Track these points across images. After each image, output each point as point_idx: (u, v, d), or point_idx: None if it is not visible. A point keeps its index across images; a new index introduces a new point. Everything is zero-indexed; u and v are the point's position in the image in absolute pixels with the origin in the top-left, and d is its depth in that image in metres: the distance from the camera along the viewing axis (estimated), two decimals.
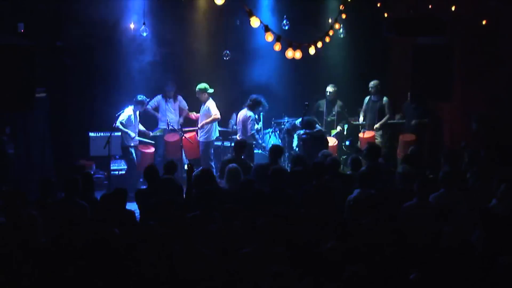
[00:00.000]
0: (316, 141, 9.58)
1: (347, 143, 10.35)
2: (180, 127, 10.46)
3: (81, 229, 5.45)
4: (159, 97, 10.56)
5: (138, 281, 4.60)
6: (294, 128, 10.14)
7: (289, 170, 8.14)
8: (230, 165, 7.20)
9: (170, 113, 10.55)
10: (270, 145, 8.80)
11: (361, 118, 10.80)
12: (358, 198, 6.25)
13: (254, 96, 9.94)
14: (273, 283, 4.12)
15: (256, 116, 10.03)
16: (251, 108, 9.86)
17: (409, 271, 4.51)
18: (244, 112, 9.90)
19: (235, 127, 10.75)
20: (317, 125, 9.79)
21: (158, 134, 10.57)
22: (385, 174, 7.41)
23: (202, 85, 10.19)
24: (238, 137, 9.92)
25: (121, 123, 9.65)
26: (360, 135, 10.51)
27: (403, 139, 10.14)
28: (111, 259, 4.69)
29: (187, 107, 10.73)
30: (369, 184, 6.45)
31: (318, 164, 7.16)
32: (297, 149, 9.82)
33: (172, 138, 10.36)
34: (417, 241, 4.94)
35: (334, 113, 10.77)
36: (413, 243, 4.91)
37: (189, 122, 10.82)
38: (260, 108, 9.99)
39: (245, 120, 9.87)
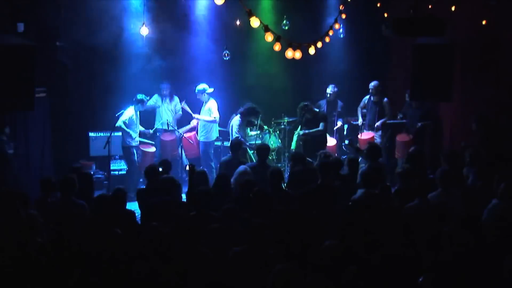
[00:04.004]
0: (316, 141, 9.60)
1: (346, 142, 10.37)
2: (176, 128, 10.44)
3: (79, 229, 5.45)
4: (156, 96, 10.55)
5: (138, 281, 4.60)
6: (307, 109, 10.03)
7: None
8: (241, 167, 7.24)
9: (166, 113, 10.55)
10: (257, 145, 8.82)
11: (360, 119, 10.79)
12: (362, 198, 6.24)
13: (248, 104, 9.91)
14: (277, 281, 4.13)
15: (256, 122, 10.02)
16: (243, 115, 9.83)
17: (410, 272, 4.51)
18: (235, 118, 9.92)
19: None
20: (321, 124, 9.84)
21: (157, 133, 10.57)
22: (385, 174, 7.42)
23: (201, 86, 10.20)
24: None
25: (123, 122, 9.65)
26: (359, 136, 10.51)
27: (400, 140, 10.17)
28: (112, 260, 4.69)
29: (181, 112, 10.72)
30: (371, 184, 6.45)
31: (325, 164, 7.14)
32: (294, 149, 9.84)
33: (168, 137, 10.37)
34: (420, 242, 4.94)
35: (334, 113, 10.77)
36: (415, 243, 4.91)
37: (185, 123, 10.81)
38: (253, 117, 9.94)
39: (232, 127, 9.94)
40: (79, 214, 6.12)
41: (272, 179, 6.85)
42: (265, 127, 10.29)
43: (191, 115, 10.51)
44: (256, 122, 10.03)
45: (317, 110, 10.10)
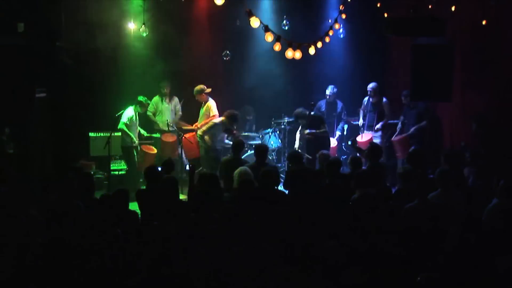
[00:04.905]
0: (320, 141, 9.59)
1: (349, 142, 10.37)
2: (175, 128, 10.44)
3: (77, 229, 5.45)
4: (156, 98, 10.58)
5: (138, 280, 4.60)
6: (302, 116, 9.96)
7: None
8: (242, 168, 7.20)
9: (167, 114, 10.56)
10: (255, 145, 8.77)
11: (360, 120, 10.80)
12: (361, 198, 6.24)
13: (232, 111, 9.72)
14: (278, 283, 4.13)
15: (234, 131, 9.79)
16: (227, 119, 9.60)
17: (410, 272, 4.51)
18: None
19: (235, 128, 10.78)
20: (325, 125, 9.83)
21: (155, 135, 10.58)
22: (385, 174, 7.42)
23: (199, 87, 10.20)
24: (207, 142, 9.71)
25: (125, 124, 9.65)
26: (358, 138, 10.51)
27: (393, 140, 10.20)
28: (112, 259, 4.69)
29: (180, 112, 10.74)
30: (368, 184, 6.44)
31: (332, 163, 7.12)
32: (299, 150, 9.80)
33: (169, 138, 10.36)
34: (419, 242, 4.94)
35: (334, 114, 10.77)
36: (415, 244, 4.92)
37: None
38: (234, 125, 9.69)
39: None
40: (76, 214, 6.11)
41: (263, 179, 6.81)
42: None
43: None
44: (234, 130, 9.76)
45: (311, 113, 9.89)
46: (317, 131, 9.69)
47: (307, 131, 9.73)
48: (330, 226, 5.46)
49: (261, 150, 8.02)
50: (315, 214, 5.86)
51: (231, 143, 9.83)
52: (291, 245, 5.03)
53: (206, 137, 9.65)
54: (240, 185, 6.64)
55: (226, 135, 9.84)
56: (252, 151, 10.06)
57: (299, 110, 9.86)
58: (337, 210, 6.04)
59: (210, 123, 9.71)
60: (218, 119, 9.72)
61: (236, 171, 7.17)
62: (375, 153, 7.79)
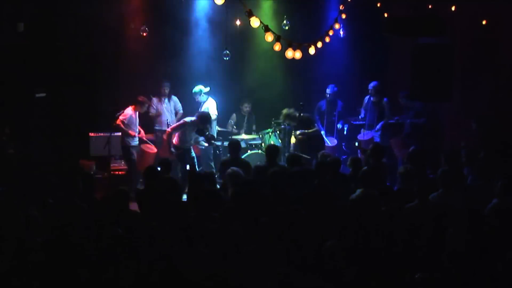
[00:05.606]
0: (312, 141, 9.58)
1: (356, 144, 10.37)
2: None
3: (81, 230, 5.45)
4: (154, 100, 10.55)
5: (138, 281, 4.60)
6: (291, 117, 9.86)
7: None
8: (230, 169, 7.16)
9: (166, 114, 10.55)
10: (266, 145, 8.74)
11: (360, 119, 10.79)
12: (360, 197, 6.24)
13: (204, 112, 9.70)
14: (277, 284, 4.13)
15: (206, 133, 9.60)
16: (198, 120, 9.48)
17: (410, 272, 4.51)
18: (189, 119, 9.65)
19: (235, 127, 10.77)
20: (315, 125, 9.82)
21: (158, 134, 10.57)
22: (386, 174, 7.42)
23: (197, 88, 10.21)
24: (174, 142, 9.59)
25: (122, 122, 9.66)
26: (359, 136, 10.51)
27: (391, 140, 10.20)
28: (113, 259, 4.70)
29: (181, 110, 10.73)
30: (372, 183, 6.44)
31: (322, 163, 7.13)
32: (295, 151, 9.79)
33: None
34: (420, 242, 4.94)
35: (335, 113, 10.78)
36: (415, 243, 4.92)
37: None
38: (206, 126, 9.57)
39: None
40: (80, 216, 6.11)
41: (272, 180, 6.81)
42: (213, 141, 9.86)
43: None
44: (206, 133, 9.59)
45: (299, 114, 9.82)
46: (308, 131, 9.70)
47: (298, 132, 9.74)
48: (329, 226, 5.45)
49: (272, 150, 7.98)
50: (311, 214, 5.85)
51: (206, 144, 9.85)
52: (291, 245, 5.04)
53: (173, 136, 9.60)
54: (241, 186, 6.63)
55: (204, 139, 9.77)
56: (253, 151, 10.10)
57: (287, 111, 9.82)
58: (325, 210, 6.01)
59: (181, 122, 9.70)
60: (189, 119, 9.70)
61: (227, 173, 7.13)
62: (378, 153, 7.78)
